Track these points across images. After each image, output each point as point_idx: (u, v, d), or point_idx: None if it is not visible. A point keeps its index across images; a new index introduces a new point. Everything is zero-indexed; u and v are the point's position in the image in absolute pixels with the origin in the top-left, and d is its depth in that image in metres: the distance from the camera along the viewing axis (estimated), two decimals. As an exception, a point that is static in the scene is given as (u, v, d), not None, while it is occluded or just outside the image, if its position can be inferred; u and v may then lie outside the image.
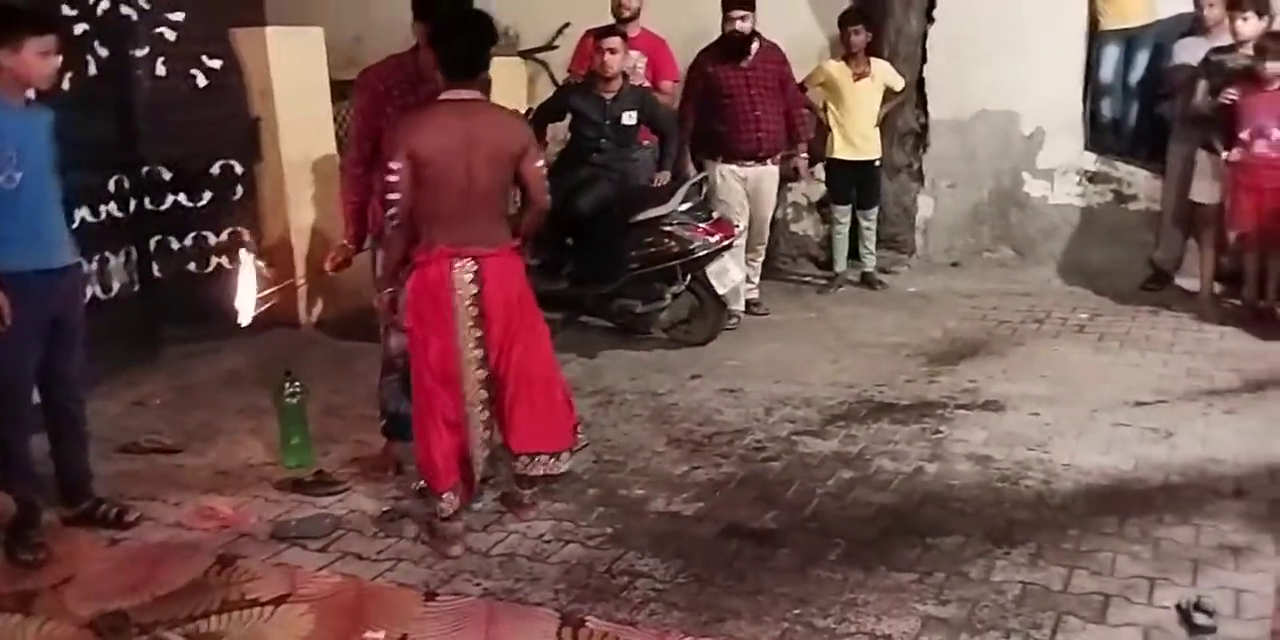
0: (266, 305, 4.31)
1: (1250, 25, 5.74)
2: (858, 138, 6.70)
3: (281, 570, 3.49)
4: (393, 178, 3.39)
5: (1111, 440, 4.27)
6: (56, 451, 3.88)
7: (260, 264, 4.58)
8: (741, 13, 6.01)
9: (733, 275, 5.73)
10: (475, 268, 3.47)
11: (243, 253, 4.77)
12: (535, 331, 3.64)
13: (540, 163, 3.61)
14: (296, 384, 4.41)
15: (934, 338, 5.80)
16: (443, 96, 3.49)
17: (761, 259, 6.51)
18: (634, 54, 6.27)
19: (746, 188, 6.16)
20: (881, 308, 6.49)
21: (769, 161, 6.21)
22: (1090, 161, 7.13)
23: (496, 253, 3.51)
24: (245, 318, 4.14)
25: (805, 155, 6.47)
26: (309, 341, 6.16)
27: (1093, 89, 7.11)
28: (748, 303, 6.28)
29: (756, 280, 6.46)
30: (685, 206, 5.59)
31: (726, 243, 5.62)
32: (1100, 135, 7.15)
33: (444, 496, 3.59)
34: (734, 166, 6.13)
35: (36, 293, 3.55)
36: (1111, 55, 7.04)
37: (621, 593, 3.26)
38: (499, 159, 3.45)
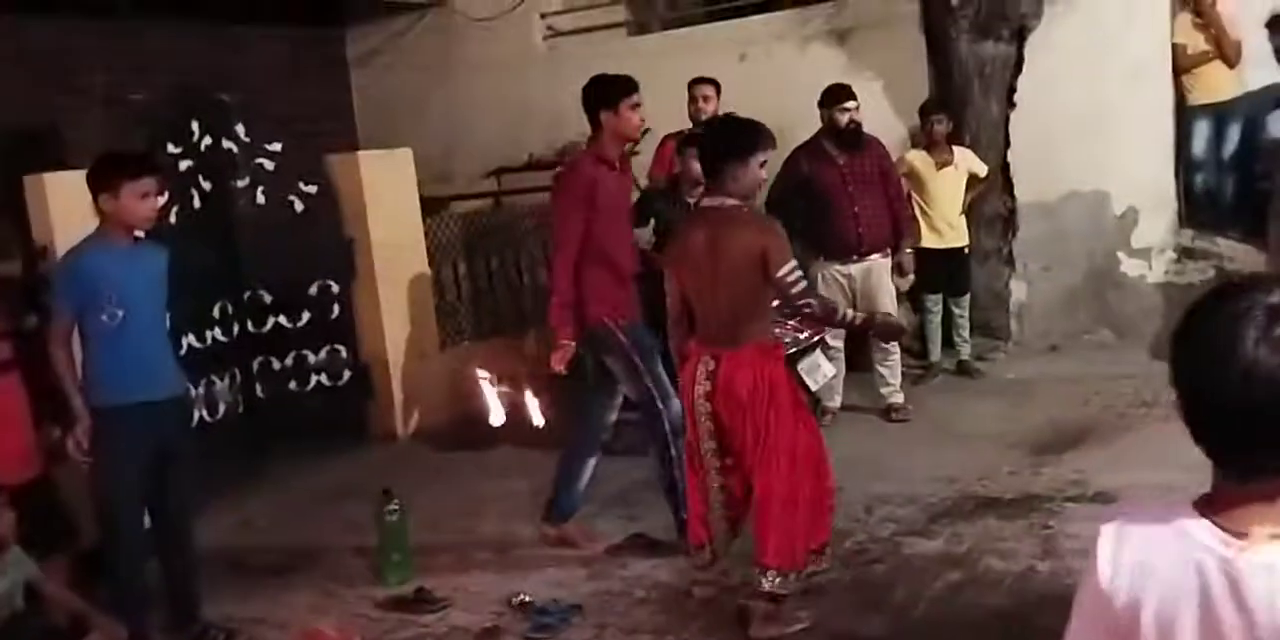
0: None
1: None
2: (944, 226, 6.67)
3: (385, 693, 3.48)
4: (666, 286, 3.81)
5: (1235, 531, 4.06)
6: (167, 577, 3.97)
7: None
8: (855, 103, 6.00)
9: (824, 371, 5.65)
10: (712, 366, 3.61)
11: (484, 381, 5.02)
12: (778, 439, 3.55)
13: (786, 269, 3.54)
14: (395, 501, 4.45)
15: (1036, 426, 5.63)
16: (702, 203, 3.82)
17: (895, 357, 6.19)
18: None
19: (853, 285, 6.05)
20: (980, 396, 6.34)
21: (874, 256, 6.06)
22: (1188, 238, 6.97)
23: (737, 352, 3.58)
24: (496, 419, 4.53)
25: (910, 250, 6.27)
26: (407, 453, 6.25)
27: (1185, 164, 6.99)
28: (889, 408, 6.09)
29: (895, 382, 6.17)
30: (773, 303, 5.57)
31: (816, 338, 5.57)
32: (1196, 211, 7.01)
33: (696, 549, 3.81)
34: (836, 265, 6.04)
35: (140, 424, 3.68)
36: (1202, 130, 6.94)
37: (727, 710, 3.17)
38: (740, 265, 3.54)
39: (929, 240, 6.64)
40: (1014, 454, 5.23)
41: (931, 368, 6.84)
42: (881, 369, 6.15)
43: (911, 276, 6.51)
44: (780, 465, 3.54)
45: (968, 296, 6.86)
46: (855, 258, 6.03)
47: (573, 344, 4.39)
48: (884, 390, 6.13)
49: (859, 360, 6.34)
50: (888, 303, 6.12)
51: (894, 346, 6.19)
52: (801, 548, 3.59)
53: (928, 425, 5.87)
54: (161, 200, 3.83)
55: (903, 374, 6.29)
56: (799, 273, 3.59)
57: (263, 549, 4.81)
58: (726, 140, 3.67)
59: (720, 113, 6.49)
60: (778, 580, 3.54)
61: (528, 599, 4.03)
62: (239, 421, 5.86)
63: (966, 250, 6.82)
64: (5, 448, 3.66)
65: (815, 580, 3.87)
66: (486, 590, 4.20)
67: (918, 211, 6.63)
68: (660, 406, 4.32)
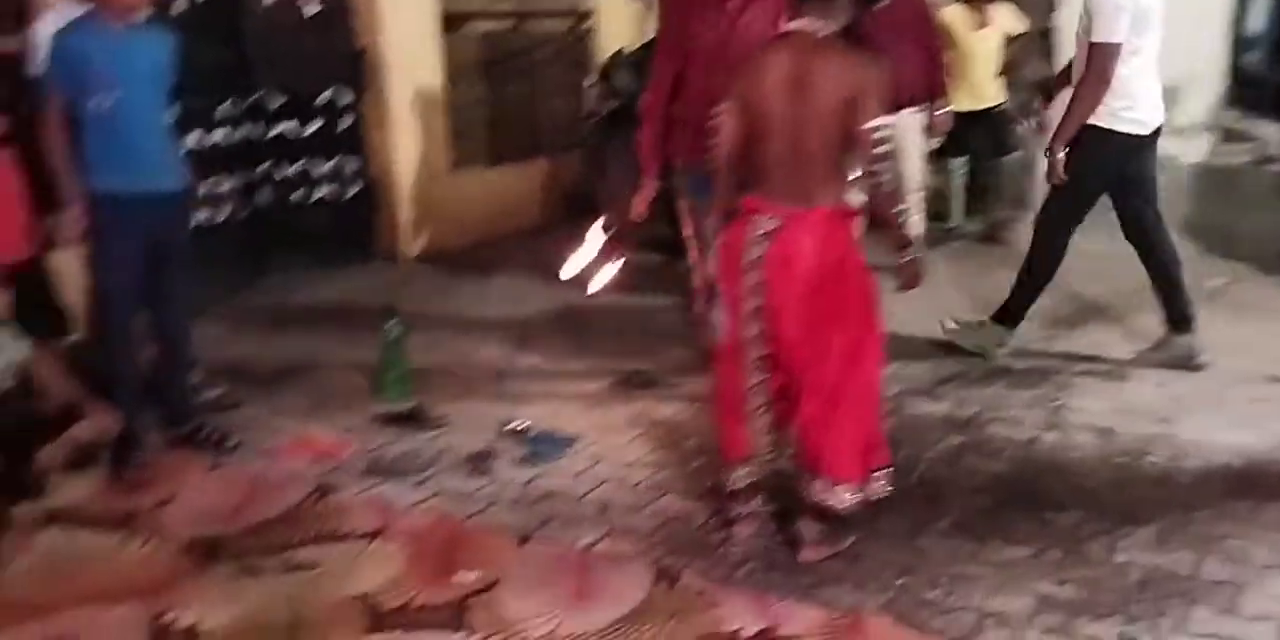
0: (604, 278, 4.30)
1: None
2: (977, 87, 6.40)
3: (375, 505, 3.46)
4: (716, 122, 3.07)
5: (1246, 417, 4.00)
6: (162, 373, 3.91)
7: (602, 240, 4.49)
8: None
9: None
10: (773, 227, 2.95)
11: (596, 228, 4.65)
12: (849, 327, 2.97)
13: (879, 121, 2.88)
14: (396, 318, 4.37)
15: (1054, 299, 5.48)
16: (785, 28, 3.07)
17: (915, 218, 5.83)
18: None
19: None
20: (999, 265, 6.18)
21: (904, 112, 5.75)
22: (1230, 119, 6.72)
23: (806, 213, 2.94)
24: (595, 286, 4.28)
25: (949, 108, 6.06)
26: (411, 274, 6.14)
27: (1237, 42, 6.68)
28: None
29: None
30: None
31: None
32: (1243, 92, 6.74)
33: (732, 466, 3.18)
34: None
35: (133, 216, 3.55)
36: (1261, 6, 6.61)
37: (718, 549, 3.16)
38: (831, 107, 2.89)
39: (961, 101, 6.38)
40: (1028, 324, 5.12)
41: (951, 232, 6.69)
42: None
43: (941, 138, 6.28)
44: (847, 359, 2.96)
45: (1001, 160, 6.64)
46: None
47: (655, 182, 4.02)
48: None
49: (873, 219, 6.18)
50: (915, 163, 5.92)
51: (912, 206, 6.02)
52: (867, 460, 3.06)
53: (942, 290, 5.75)
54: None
55: (920, 237, 6.13)
56: (888, 132, 2.95)
57: (259, 357, 4.75)
58: None
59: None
60: (841, 493, 3.01)
61: (524, 425, 4.00)
62: (241, 227, 5.72)
63: (1000, 110, 6.57)
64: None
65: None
66: (483, 415, 4.15)
67: (954, 73, 6.34)
68: (697, 259, 4.05)
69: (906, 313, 5.28)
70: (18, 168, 3.62)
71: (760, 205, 2.99)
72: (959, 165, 6.62)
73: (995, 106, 6.51)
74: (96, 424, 3.50)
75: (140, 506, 3.46)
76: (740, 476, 3.18)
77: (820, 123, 2.90)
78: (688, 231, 4.15)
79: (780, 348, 3.02)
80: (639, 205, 4.09)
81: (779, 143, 2.95)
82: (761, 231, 2.96)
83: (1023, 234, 6.71)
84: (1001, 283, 5.81)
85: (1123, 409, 4.11)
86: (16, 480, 3.19)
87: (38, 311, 3.64)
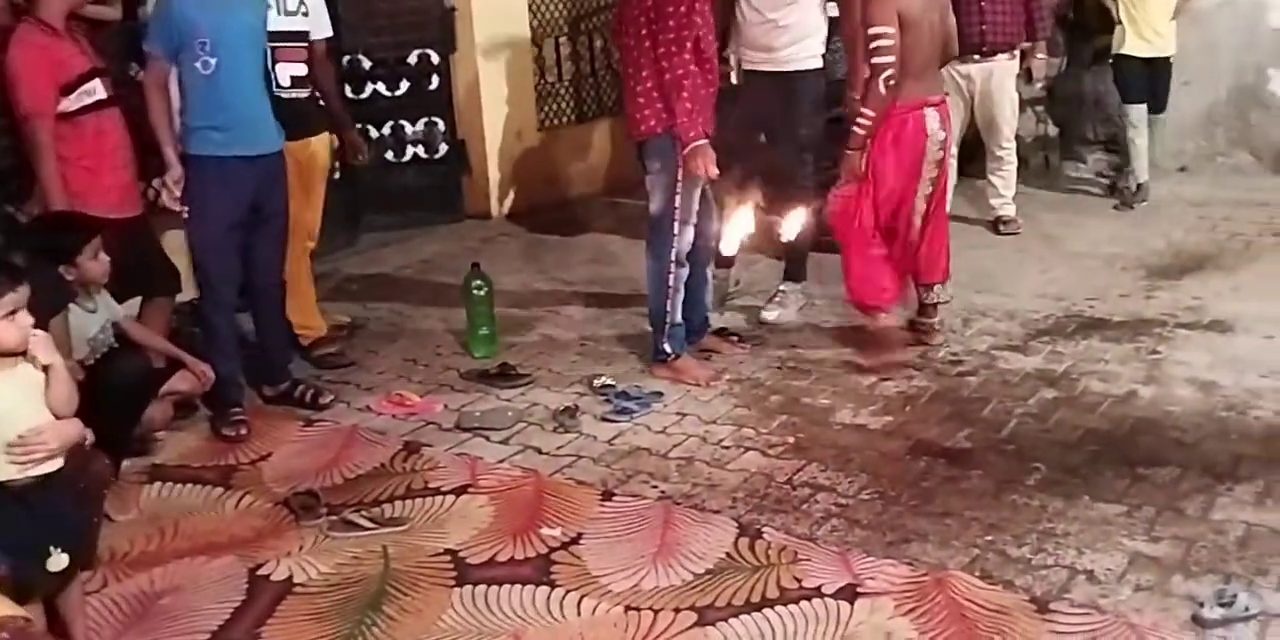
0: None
1: None
2: (1150, 32, 6.04)
3: (463, 461, 3.52)
4: (885, 42, 3.82)
5: (1359, 371, 3.85)
6: (258, 332, 4.02)
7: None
8: None
9: None
10: (938, 115, 3.99)
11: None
12: (944, 180, 4.16)
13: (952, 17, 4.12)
14: (483, 276, 4.41)
15: (1155, 249, 5.35)
16: None
17: (1010, 168, 5.83)
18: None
19: (971, 88, 5.64)
20: (1097, 216, 6.02)
21: (998, 57, 5.62)
22: None
23: (943, 99, 4.09)
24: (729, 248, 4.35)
25: (1042, 55, 5.85)
26: (499, 233, 6.20)
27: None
28: (997, 220, 5.79)
29: (1008, 193, 5.83)
30: None
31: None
32: (1368, 29, 6.37)
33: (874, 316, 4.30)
34: (955, 64, 5.59)
35: (235, 178, 3.63)
36: None
37: (801, 506, 3.15)
38: (944, 14, 4.03)
39: (1134, 47, 6.07)
40: (1127, 276, 4.98)
41: (1140, 190, 6.20)
42: (994, 178, 5.83)
43: (1040, 84, 6.06)
44: (944, 201, 4.20)
45: (1164, 114, 6.31)
46: (976, 58, 5.58)
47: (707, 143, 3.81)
48: (994, 201, 5.84)
49: (970, 168, 6.03)
50: (1008, 110, 5.74)
51: (1009, 155, 5.85)
52: (948, 267, 4.25)
53: (1038, 241, 5.61)
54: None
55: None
56: None
57: (352, 314, 4.84)
58: None
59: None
60: (940, 291, 4.23)
61: (610, 382, 4.02)
62: (334, 188, 5.79)
63: (1170, 60, 6.17)
64: (104, 182, 3.61)
65: (892, 386, 3.91)
66: (569, 371, 4.19)
67: (1124, 15, 6.05)
68: (674, 231, 3.92)
69: (998, 267, 5.20)
70: (121, 129, 3.71)
71: (919, 101, 3.93)
72: (1138, 115, 6.13)
73: (1164, 57, 6.10)
74: (194, 380, 3.59)
75: (239, 462, 3.59)
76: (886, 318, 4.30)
77: (943, 29, 3.99)
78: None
79: (905, 204, 4.07)
80: (711, 170, 3.84)
81: (928, 49, 3.92)
82: (937, 119, 3.97)
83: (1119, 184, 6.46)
84: (1093, 234, 5.63)
85: (1227, 363, 3.97)
86: (124, 438, 3.31)
87: (144, 271, 3.75)
